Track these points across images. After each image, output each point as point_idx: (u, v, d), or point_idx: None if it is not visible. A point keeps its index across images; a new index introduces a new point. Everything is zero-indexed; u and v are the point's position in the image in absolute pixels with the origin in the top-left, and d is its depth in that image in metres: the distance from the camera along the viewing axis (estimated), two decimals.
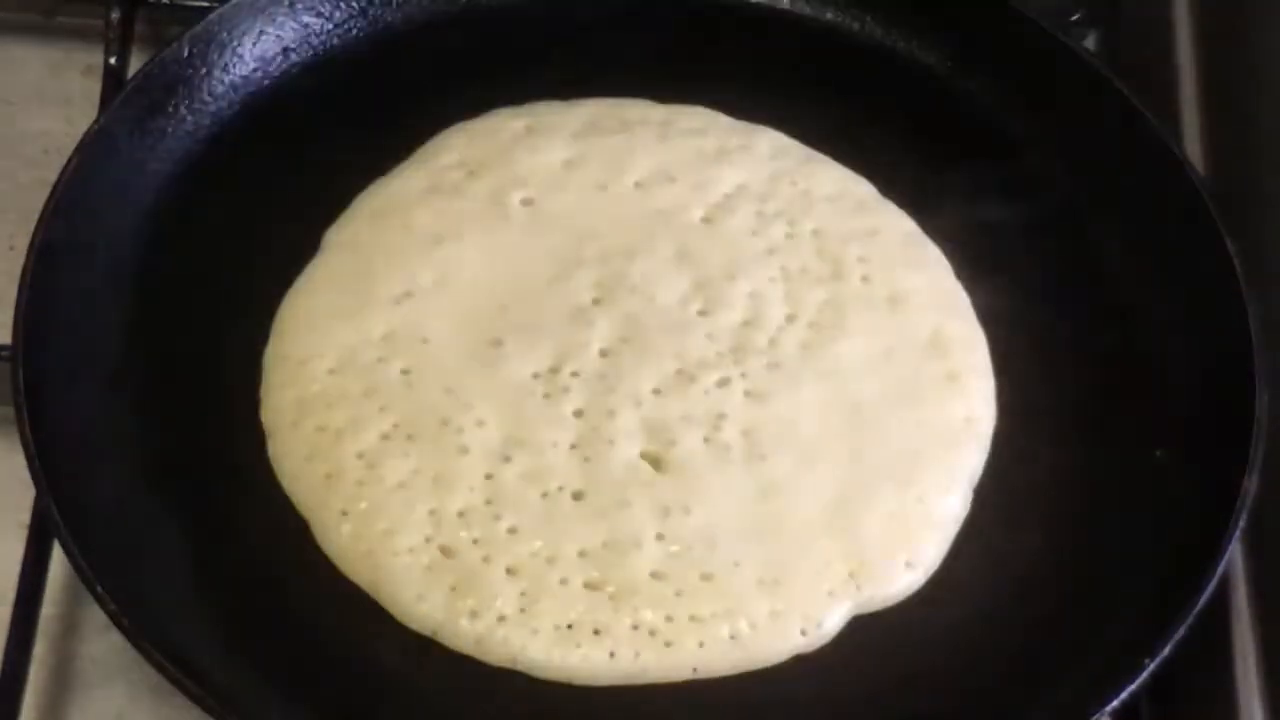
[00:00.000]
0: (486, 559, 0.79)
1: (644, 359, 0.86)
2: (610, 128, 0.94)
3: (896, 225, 0.92)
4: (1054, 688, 0.78)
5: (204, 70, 0.93)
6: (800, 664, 0.79)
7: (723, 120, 0.95)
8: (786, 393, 0.85)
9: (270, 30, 0.95)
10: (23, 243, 0.84)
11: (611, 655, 0.78)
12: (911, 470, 0.84)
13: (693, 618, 0.79)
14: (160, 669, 0.73)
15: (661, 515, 0.81)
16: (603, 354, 0.86)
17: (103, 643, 0.84)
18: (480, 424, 0.83)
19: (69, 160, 0.86)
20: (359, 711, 0.77)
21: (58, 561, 0.83)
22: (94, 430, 0.82)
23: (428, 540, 0.80)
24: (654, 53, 0.97)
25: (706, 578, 0.80)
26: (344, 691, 0.77)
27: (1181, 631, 0.76)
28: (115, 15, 1.01)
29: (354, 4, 0.97)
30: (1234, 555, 0.80)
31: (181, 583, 0.79)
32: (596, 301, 0.88)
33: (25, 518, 0.84)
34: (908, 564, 0.81)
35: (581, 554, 0.80)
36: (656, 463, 0.83)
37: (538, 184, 0.92)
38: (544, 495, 0.81)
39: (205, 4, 0.97)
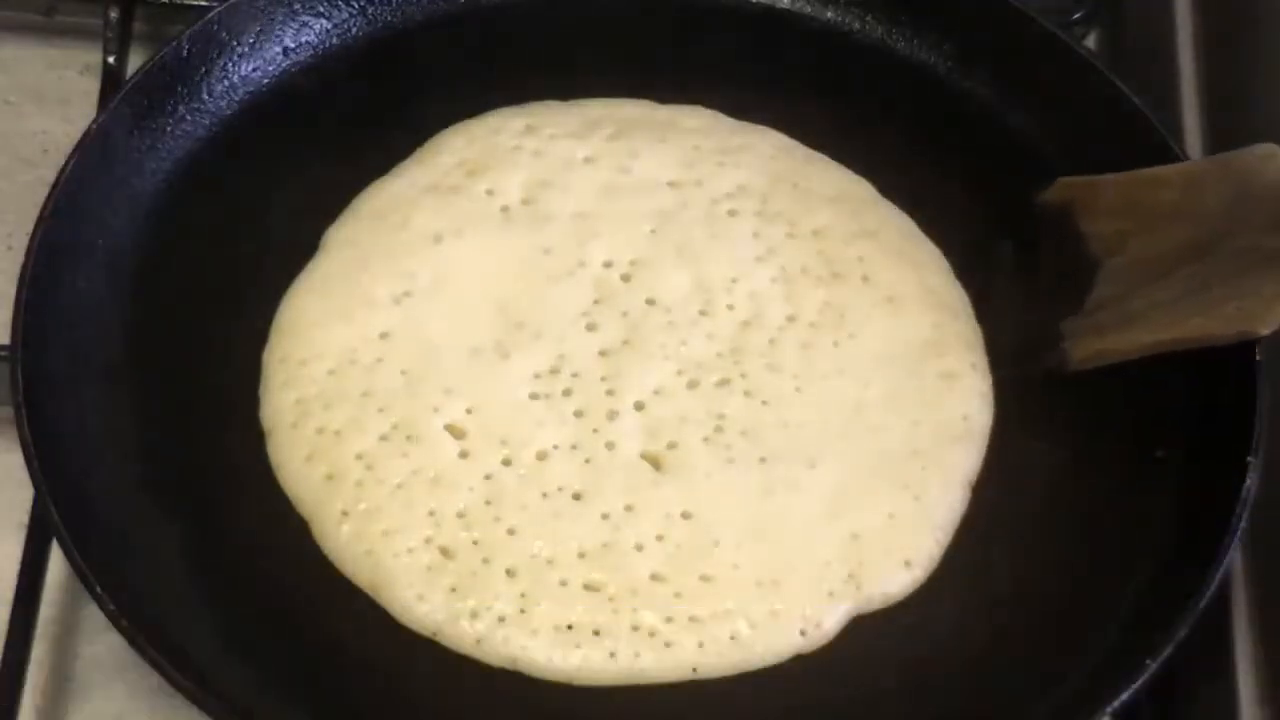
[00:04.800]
0: (486, 560, 0.79)
1: (644, 359, 0.86)
2: (610, 128, 0.94)
3: (896, 225, 0.92)
4: (1054, 688, 0.77)
5: (203, 70, 0.93)
6: (800, 664, 0.79)
7: (723, 120, 0.95)
8: (786, 393, 0.85)
9: (269, 29, 0.95)
10: (21, 242, 0.84)
11: (611, 656, 0.78)
12: (911, 470, 0.84)
13: (692, 619, 0.79)
14: (159, 669, 0.73)
15: (661, 516, 0.81)
16: (603, 354, 0.86)
17: (102, 643, 0.84)
18: (480, 425, 0.83)
19: (68, 160, 0.86)
20: (359, 711, 0.77)
21: (56, 562, 0.83)
22: (93, 430, 0.82)
23: (428, 541, 0.80)
24: (654, 53, 0.97)
25: (706, 579, 0.80)
26: (344, 691, 0.77)
27: (1182, 631, 0.76)
28: (114, 14, 1.01)
29: (354, 4, 0.97)
30: (1234, 555, 0.79)
31: (181, 583, 0.79)
32: (597, 302, 0.88)
33: (24, 518, 0.84)
34: (906, 563, 0.81)
35: (581, 555, 0.80)
36: (656, 463, 0.83)
37: (538, 184, 0.92)
38: (544, 496, 0.81)
39: (204, 3, 0.97)
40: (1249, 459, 0.80)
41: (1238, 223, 0.73)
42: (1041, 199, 0.78)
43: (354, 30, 0.97)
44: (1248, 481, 0.79)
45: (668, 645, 0.78)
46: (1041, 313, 0.79)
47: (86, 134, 0.87)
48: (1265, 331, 0.74)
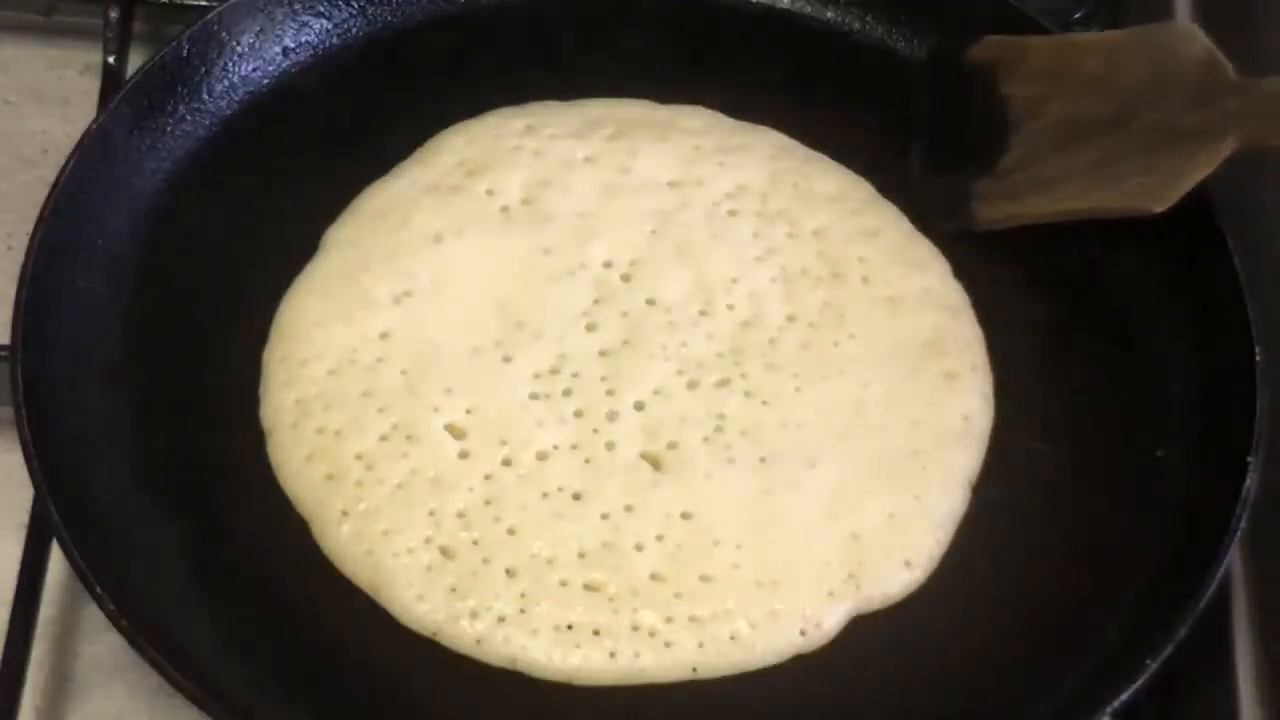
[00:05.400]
0: (486, 560, 0.79)
1: (644, 359, 0.86)
2: (610, 128, 0.94)
3: (896, 225, 0.92)
4: (1054, 687, 0.77)
5: (203, 70, 0.93)
6: (800, 664, 0.79)
7: (723, 120, 0.95)
8: (786, 393, 0.85)
9: (269, 29, 0.95)
10: (21, 242, 0.84)
11: (611, 655, 0.78)
12: (911, 470, 0.84)
13: (692, 618, 0.79)
14: (159, 669, 0.73)
15: (661, 516, 0.81)
16: (603, 354, 0.86)
17: (101, 643, 0.84)
18: (479, 425, 0.83)
19: (68, 160, 0.86)
20: (359, 711, 0.77)
21: (56, 562, 0.83)
22: (93, 430, 0.82)
23: (427, 541, 0.80)
24: (654, 53, 0.97)
25: (706, 579, 0.80)
26: (344, 691, 0.77)
27: (1182, 631, 0.76)
28: (114, 14, 1.01)
29: (354, 3, 0.97)
30: (1234, 555, 0.79)
31: (181, 583, 0.79)
32: (597, 302, 0.88)
33: (24, 518, 0.84)
34: (906, 563, 0.81)
35: (581, 555, 0.80)
36: (656, 464, 0.83)
37: (537, 184, 0.92)
38: (544, 496, 0.81)
39: (204, 3, 0.97)
40: (1249, 459, 0.80)
41: (1153, 98, 0.74)
42: (969, 56, 0.79)
43: (354, 30, 0.97)
44: (1248, 481, 0.79)
45: (668, 645, 0.78)
46: (955, 171, 0.79)
47: (86, 134, 0.87)
48: (1158, 209, 0.75)
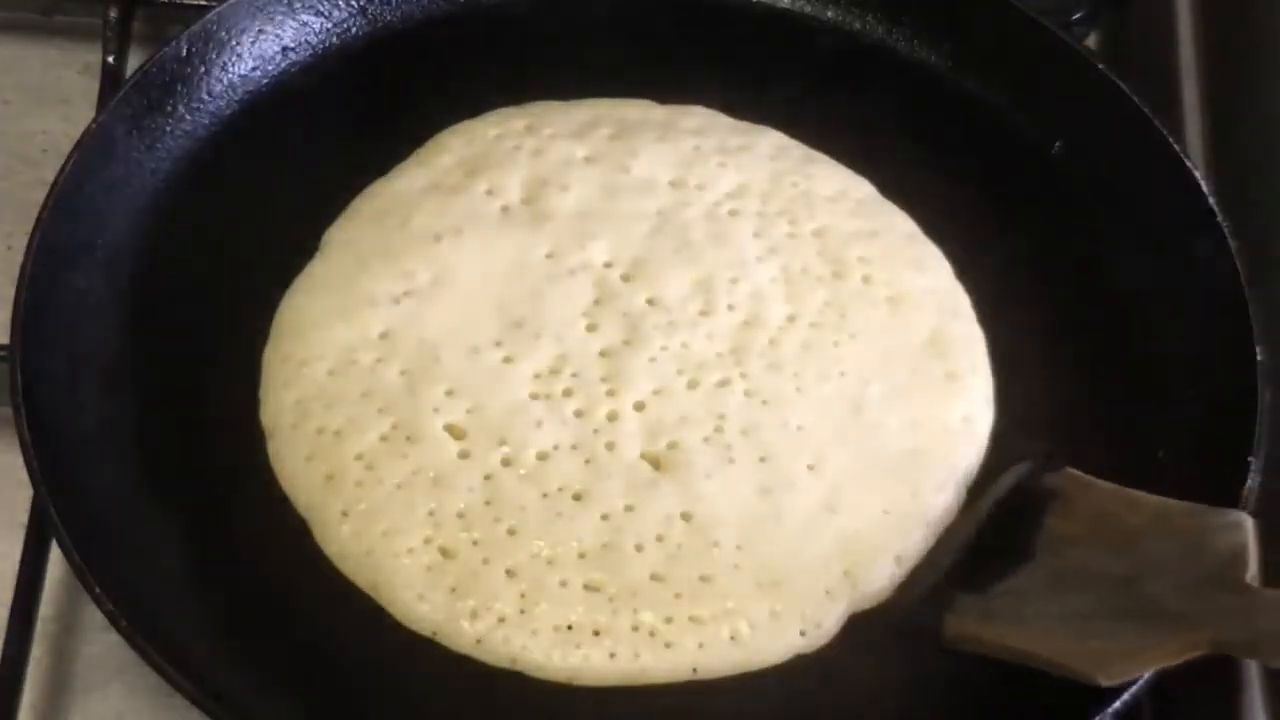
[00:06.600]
0: (486, 560, 0.79)
1: (644, 360, 0.85)
2: (610, 128, 0.94)
3: (897, 225, 0.92)
4: (1054, 686, 0.77)
5: (202, 69, 0.93)
6: (800, 664, 0.79)
7: (723, 120, 0.95)
8: (787, 393, 0.85)
9: (269, 29, 0.95)
10: (21, 242, 0.84)
11: (611, 656, 0.78)
12: (910, 470, 0.83)
13: (692, 619, 0.78)
14: (158, 669, 0.73)
15: (661, 516, 0.81)
16: (603, 354, 0.86)
17: (101, 643, 0.84)
18: (479, 425, 0.83)
19: (67, 159, 0.86)
20: (359, 711, 0.77)
21: (55, 562, 0.83)
22: (92, 430, 0.82)
23: (427, 541, 0.80)
24: (654, 53, 0.97)
25: (706, 579, 0.80)
26: (344, 691, 0.77)
27: None
28: (113, 14, 1.01)
29: (353, 3, 0.97)
30: None
31: (180, 583, 0.79)
32: (597, 302, 0.88)
33: (23, 518, 0.84)
34: (897, 559, 0.81)
35: (581, 555, 0.80)
36: (656, 464, 0.83)
37: (537, 184, 0.92)
38: (544, 496, 0.81)
39: (204, 3, 0.97)
40: (1249, 459, 0.80)
41: (1166, 573, 0.73)
42: (1042, 482, 0.78)
43: (354, 30, 0.97)
44: (1248, 482, 0.79)
45: (668, 645, 0.78)
46: (952, 578, 0.78)
47: (86, 134, 0.87)
48: (1103, 682, 0.72)
